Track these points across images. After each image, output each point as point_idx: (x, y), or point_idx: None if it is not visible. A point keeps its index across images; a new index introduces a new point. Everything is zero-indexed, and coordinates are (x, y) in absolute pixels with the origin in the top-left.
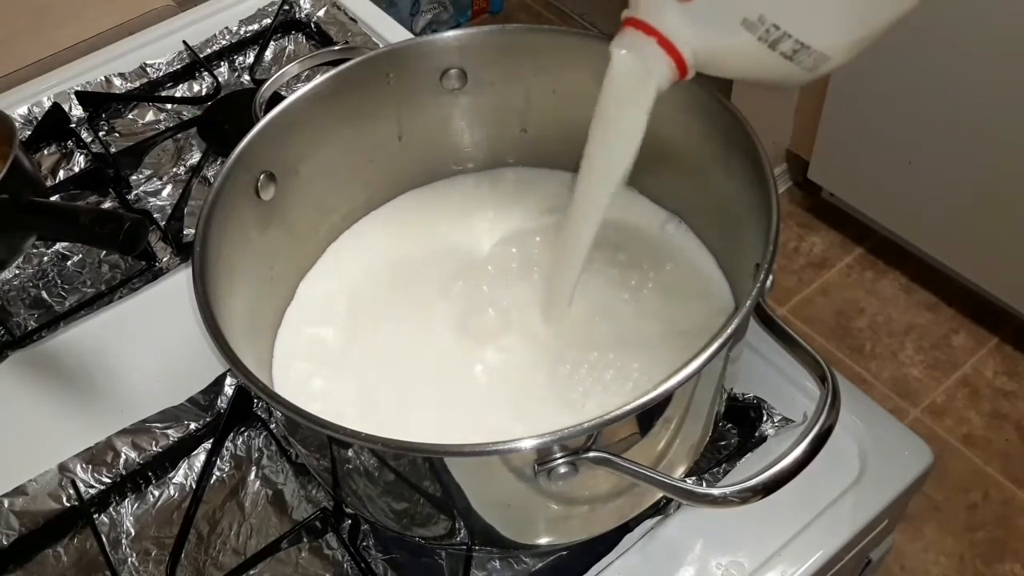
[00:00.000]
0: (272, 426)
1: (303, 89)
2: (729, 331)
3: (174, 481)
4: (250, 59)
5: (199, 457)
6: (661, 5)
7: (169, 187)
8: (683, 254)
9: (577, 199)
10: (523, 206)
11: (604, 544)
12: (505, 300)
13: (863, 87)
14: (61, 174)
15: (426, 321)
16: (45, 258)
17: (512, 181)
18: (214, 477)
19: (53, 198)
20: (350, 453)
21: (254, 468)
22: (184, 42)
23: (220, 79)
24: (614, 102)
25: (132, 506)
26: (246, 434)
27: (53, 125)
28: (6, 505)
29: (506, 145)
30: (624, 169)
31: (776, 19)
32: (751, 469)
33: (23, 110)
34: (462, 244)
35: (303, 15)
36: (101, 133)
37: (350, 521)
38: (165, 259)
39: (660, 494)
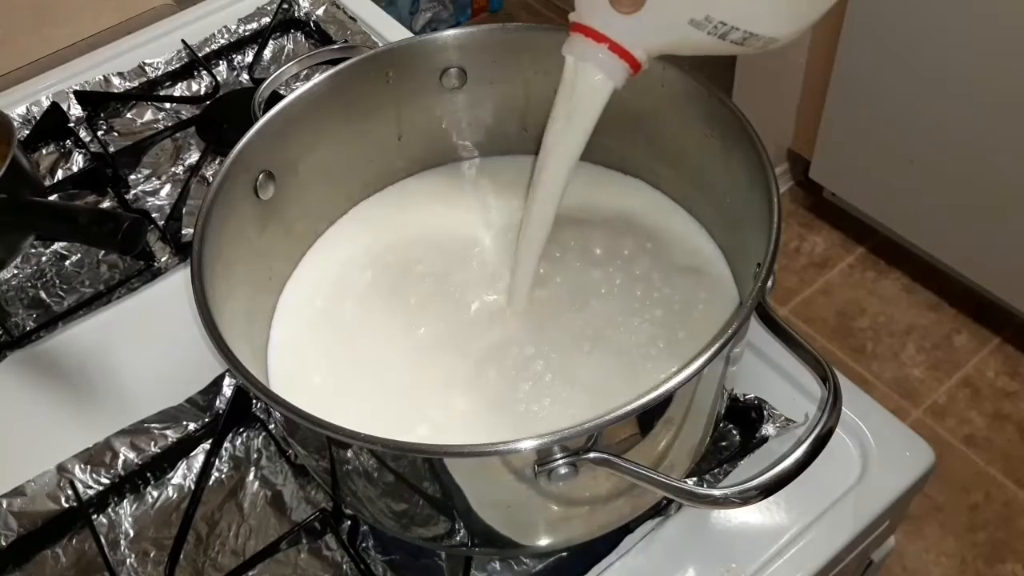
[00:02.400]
0: (271, 427)
1: (302, 88)
2: (730, 331)
3: (173, 482)
4: (249, 58)
5: (198, 458)
6: (607, 13)
7: (168, 187)
8: (692, 249)
9: (536, 188)
10: (522, 193)
11: (605, 545)
12: (504, 290)
13: (865, 86)
14: (60, 173)
15: (424, 314)
16: (44, 258)
17: (510, 167)
18: (213, 478)
19: (51, 198)
20: (349, 454)
21: (253, 469)
22: (183, 41)
23: (219, 78)
24: (569, 105)
25: (131, 507)
26: (245, 435)
27: (52, 124)
28: (4, 506)
29: (507, 144)
30: (576, 158)
31: (722, 17)
32: (752, 470)
33: (21, 109)
34: (460, 232)
35: (302, 14)
36: (100, 132)
37: (349, 522)
38: (164, 259)
39: (661, 495)
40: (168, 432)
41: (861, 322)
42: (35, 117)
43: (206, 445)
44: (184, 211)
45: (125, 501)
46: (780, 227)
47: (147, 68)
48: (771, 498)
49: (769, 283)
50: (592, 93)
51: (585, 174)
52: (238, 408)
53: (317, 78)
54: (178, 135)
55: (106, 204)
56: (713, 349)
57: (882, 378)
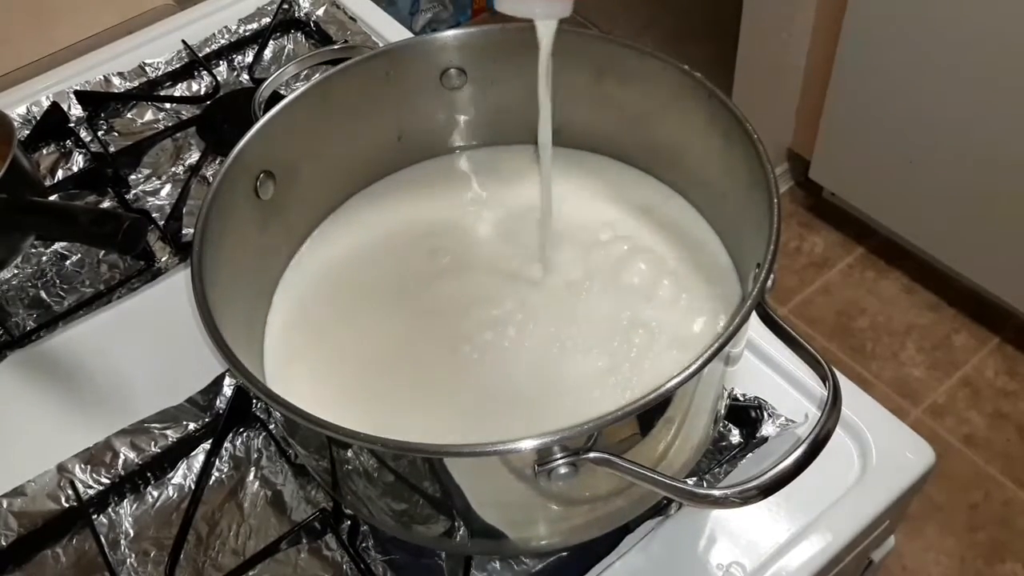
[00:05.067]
0: (271, 427)
1: (302, 88)
2: (729, 331)
3: (173, 482)
4: (249, 58)
5: (198, 458)
6: None
7: (168, 187)
8: (696, 245)
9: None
10: (520, 182)
11: (604, 545)
12: (504, 282)
13: (865, 86)
14: (60, 174)
15: (424, 308)
16: (44, 258)
17: (508, 155)
18: (213, 478)
19: (52, 198)
20: (349, 453)
21: (253, 469)
22: (183, 41)
23: (219, 78)
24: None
25: (131, 507)
26: (245, 435)
27: (52, 124)
28: (5, 506)
29: (506, 143)
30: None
31: None
32: (752, 470)
33: (22, 109)
34: (458, 222)
35: (302, 14)
36: (100, 132)
37: (349, 522)
38: (164, 259)
39: (661, 495)
40: (168, 432)
41: (861, 322)
42: (35, 117)
43: (206, 445)
44: (184, 211)
45: (125, 501)
46: (780, 227)
47: (147, 68)
48: (771, 498)
49: (769, 283)
50: (547, 29)
51: (673, 205)
52: (238, 408)
53: (317, 78)
54: (178, 135)
55: (106, 204)
56: (713, 349)
57: (882, 378)
